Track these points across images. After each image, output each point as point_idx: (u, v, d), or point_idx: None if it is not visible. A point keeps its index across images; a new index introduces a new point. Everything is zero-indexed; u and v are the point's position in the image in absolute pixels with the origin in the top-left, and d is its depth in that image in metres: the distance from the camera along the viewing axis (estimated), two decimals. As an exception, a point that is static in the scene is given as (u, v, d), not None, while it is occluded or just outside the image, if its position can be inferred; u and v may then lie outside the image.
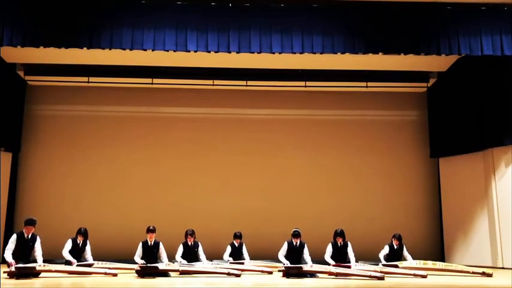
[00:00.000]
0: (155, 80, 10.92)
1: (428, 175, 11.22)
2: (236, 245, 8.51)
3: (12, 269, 6.37)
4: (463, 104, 10.24)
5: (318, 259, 7.94)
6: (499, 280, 7.01)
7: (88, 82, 10.84)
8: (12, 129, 10.40)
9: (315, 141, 11.30)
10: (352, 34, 8.21)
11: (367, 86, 11.08)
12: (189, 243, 8.05)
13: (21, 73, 10.64)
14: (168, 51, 8.12)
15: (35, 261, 6.91)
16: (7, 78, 10.23)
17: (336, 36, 8.18)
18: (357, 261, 7.90)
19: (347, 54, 8.36)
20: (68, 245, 7.57)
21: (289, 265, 7.35)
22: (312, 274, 7.02)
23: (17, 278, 6.26)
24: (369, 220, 10.74)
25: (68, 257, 7.42)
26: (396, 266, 7.74)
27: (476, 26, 8.24)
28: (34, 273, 6.50)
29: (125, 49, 8.06)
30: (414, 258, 8.29)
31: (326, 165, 11.21)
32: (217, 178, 11.02)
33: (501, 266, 9.23)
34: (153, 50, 8.09)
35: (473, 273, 7.47)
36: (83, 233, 7.70)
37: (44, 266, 6.74)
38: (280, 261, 7.79)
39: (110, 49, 8.07)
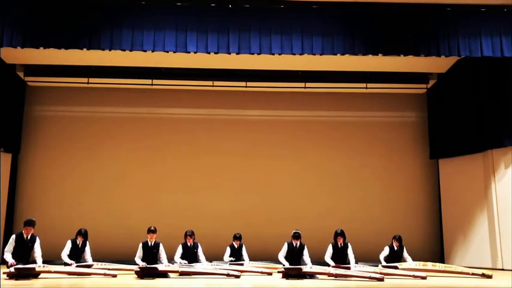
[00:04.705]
0: (155, 81, 10.92)
1: (428, 176, 11.22)
2: (236, 246, 8.51)
3: (12, 269, 6.36)
4: (462, 105, 10.24)
5: (318, 260, 7.94)
6: (498, 281, 7.01)
7: (88, 83, 10.84)
8: (12, 130, 10.39)
9: (315, 142, 11.30)
10: (352, 35, 8.21)
11: (366, 87, 11.07)
12: (189, 244, 8.04)
13: (21, 74, 10.64)
14: (168, 52, 8.13)
15: (34, 262, 6.90)
16: (7, 79, 10.22)
17: (336, 37, 8.18)
18: (356, 262, 7.88)
19: (347, 55, 8.36)
20: (68, 246, 7.56)
21: (288, 266, 7.34)
22: (311, 275, 7.02)
23: (16, 279, 6.26)
24: (369, 221, 10.73)
25: (67, 259, 7.41)
26: (396, 268, 7.73)
27: (476, 28, 8.23)
28: (33, 274, 6.50)
29: (124, 50, 8.06)
30: (414, 259, 8.28)
31: (326, 167, 11.21)
32: (217, 179, 11.01)
33: (501, 268, 9.22)
34: (153, 51, 8.09)
35: (472, 274, 7.49)
36: (83, 233, 7.71)
37: (44, 266, 6.74)
38: (279, 263, 7.79)
39: (110, 50, 8.07)
